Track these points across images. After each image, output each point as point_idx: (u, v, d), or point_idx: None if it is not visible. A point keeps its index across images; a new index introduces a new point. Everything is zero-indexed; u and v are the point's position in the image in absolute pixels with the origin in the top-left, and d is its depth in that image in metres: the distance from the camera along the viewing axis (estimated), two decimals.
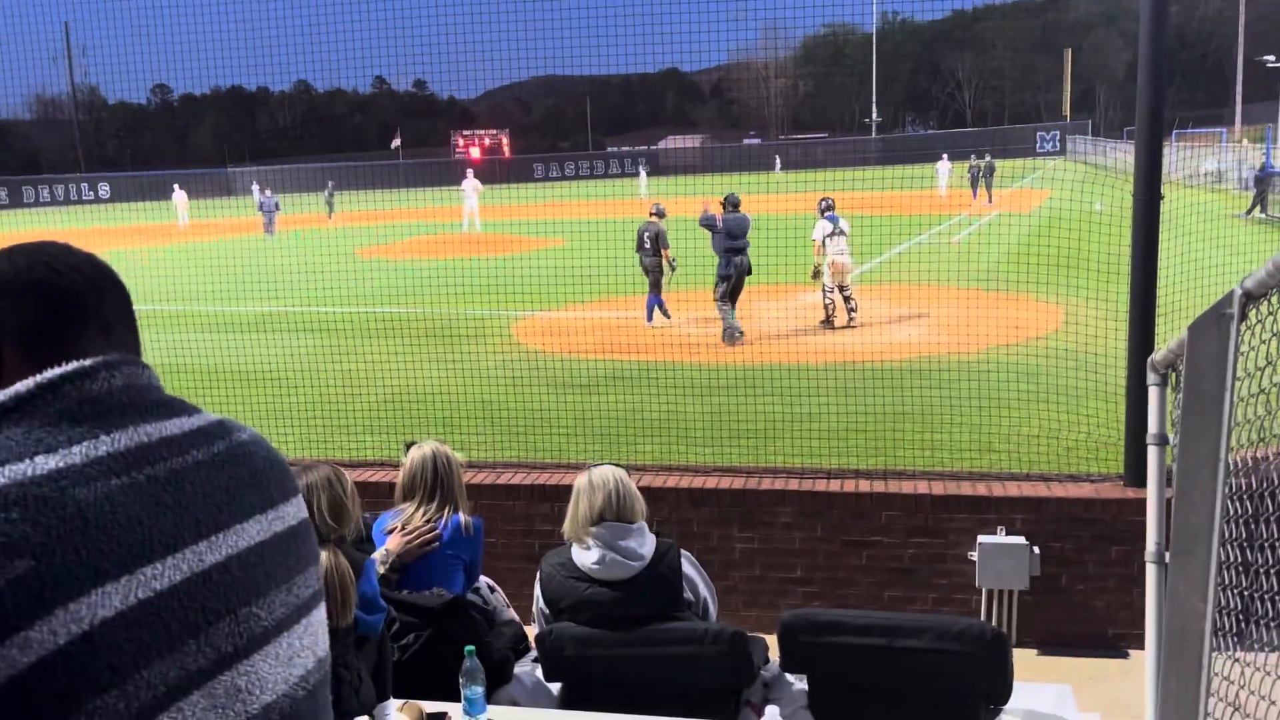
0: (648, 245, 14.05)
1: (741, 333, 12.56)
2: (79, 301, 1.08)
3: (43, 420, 0.97)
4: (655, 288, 14.08)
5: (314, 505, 2.99)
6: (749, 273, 12.80)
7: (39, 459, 0.92)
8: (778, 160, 55.59)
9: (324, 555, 2.86)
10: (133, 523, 0.94)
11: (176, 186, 40.68)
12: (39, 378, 0.99)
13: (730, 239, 12.60)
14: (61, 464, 0.93)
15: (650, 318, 14.03)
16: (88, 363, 1.02)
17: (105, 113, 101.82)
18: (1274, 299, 2.06)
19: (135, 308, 1.22)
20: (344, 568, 2.87)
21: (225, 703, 0.98)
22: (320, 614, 1.15)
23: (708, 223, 12.85)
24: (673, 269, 14.01)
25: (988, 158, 35.40)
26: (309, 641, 1.11)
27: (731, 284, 12.59)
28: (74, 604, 0.88)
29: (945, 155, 39.09)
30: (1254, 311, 2.13)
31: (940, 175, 37.73)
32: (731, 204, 12.84)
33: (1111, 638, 5.39)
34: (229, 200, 45.87)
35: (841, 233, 13.41)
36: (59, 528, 0.89)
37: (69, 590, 0.88)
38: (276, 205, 33.13)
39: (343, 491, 3.07)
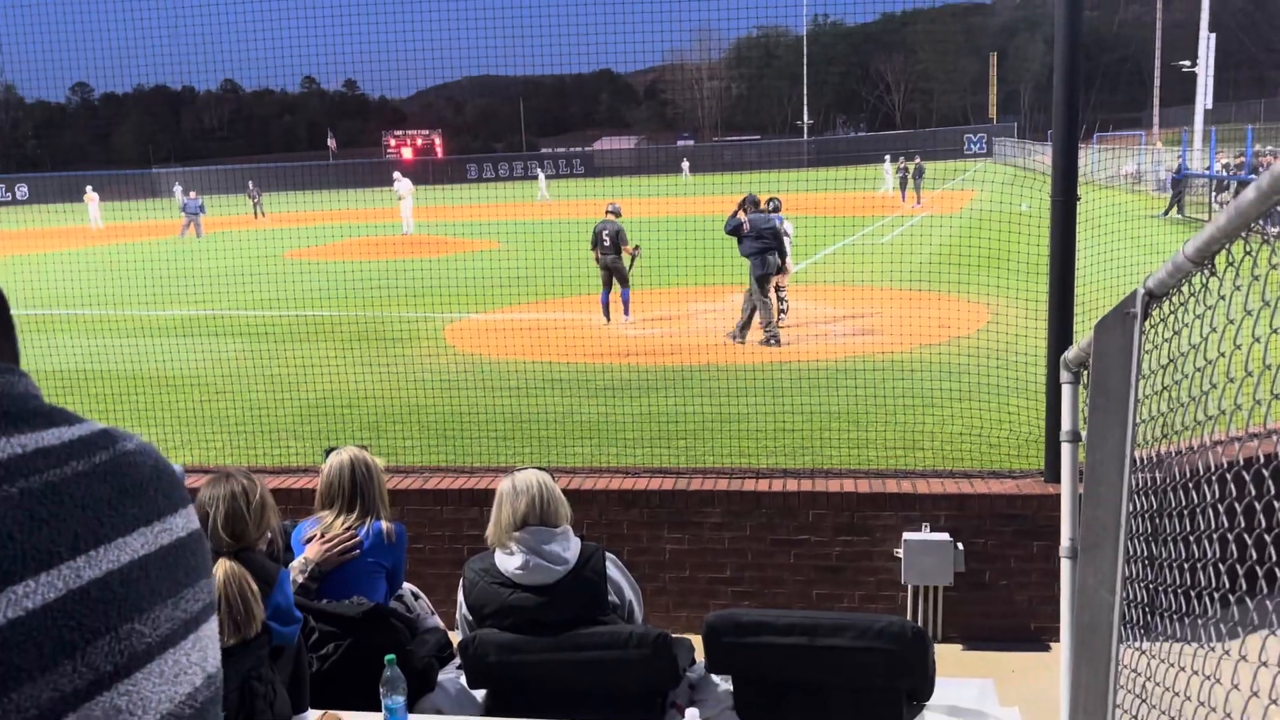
0: (607, 243, 14.10)
1: (778, 339, 12.51)
2: None
3: None
4: (622, 283, 14.17)
5: (211, 518, 2.94)
6: (781, 270, 12.80)
7: None
8: (685, 165, 55.79)
9: (223, 567, 2.81)
10: (3, 539, 0.90)
11: (89, 188, 39.76)
12: None
13: (760, 239, 12.58)
14: None
15: (607, 315, 14.10)
16: None
17: (22, 112, 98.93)
18: (1175, 298, 2.11)
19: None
20: (242, 578, 2.81)
21: None
22: (211, 628, 1.11)
23: (734, 227, 12.77)
24: (634, 257, 14.11)
25: (917, 160, 35.99)
26: (198, 657, 1.07)
27: (762, 281, 12.59)
28: None
29: (888, 156, 39.64)
30: (1157, 310, 2.17)
31: (886, 175, 38.40)
32: (752, 203, 12.82)
33: (1034, 631, 5.50)
34: (152, 202, 44.88)
35: (785, 234, 13.47)
36: None
37: None
38: (201, 207, 32.47)
39: (245, 505, 3.00)
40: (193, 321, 15.38)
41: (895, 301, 12.46)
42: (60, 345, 10.15)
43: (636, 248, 14.14)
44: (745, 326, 12.86)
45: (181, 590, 1.05)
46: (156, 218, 34.93)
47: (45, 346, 10.43)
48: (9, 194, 58.97)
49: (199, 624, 1.07)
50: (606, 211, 14.49)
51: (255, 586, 2.84)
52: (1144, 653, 2.19)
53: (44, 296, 15.45)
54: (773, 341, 12.37)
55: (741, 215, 12.69)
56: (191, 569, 1.08)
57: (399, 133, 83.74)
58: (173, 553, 1.05)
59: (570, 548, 3.38)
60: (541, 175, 51.51)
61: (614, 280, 14.22)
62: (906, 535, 5.42)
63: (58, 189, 46.80)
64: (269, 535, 3.25)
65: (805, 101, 77.34)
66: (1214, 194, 26.83)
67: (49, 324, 12.98)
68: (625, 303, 14.26)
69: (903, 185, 35.16)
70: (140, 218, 34.95)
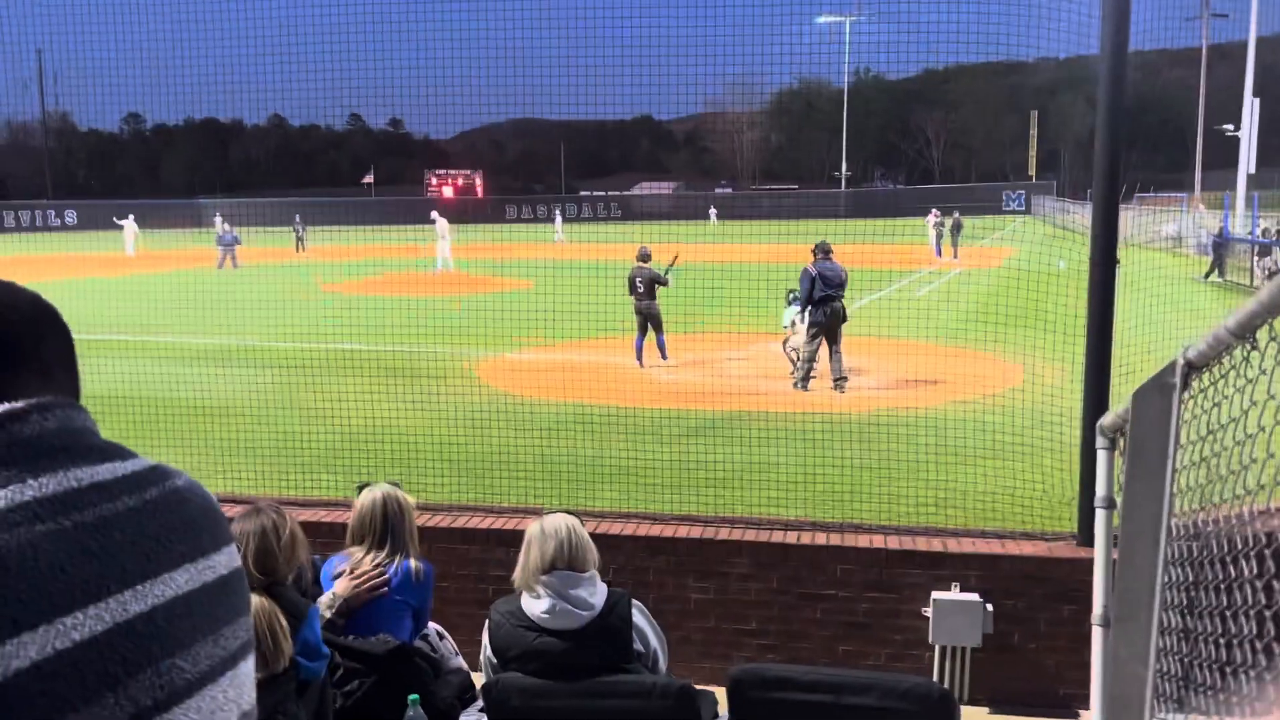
0: (641, 289, 14.27)
1: (805, 384, 12.52)
2: (16, 344, 1.06)
3: None
4: (656, 330, 14.37)
5: (242, 553, 2.97)
6: (845, 319, 12.81)
7: None
8: (713, 212, 55.90)
9: (254, 602, 2.83)
10: (55, 571, 0.92)
11: (130, 216, 40.63)
12: None
13: (826, 287, 12.62)
14: None
15: (640, 360, 14.33)
16: (19, 404, 0.99)
17: (76, 140, 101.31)
18: (1216, 369, 2.10)
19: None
20: (273, 614, 2.84)
21: None
22: (248, 666, 1.13)
23: (806, 293, 12.77)
24: (675, 267, 14.41)
25: (955, 214, 35.82)
26: (234, 694, 1.09)
27: (824, 328, 12.59)
28: None
29: (935, 210, 39.49)
30: (1196, 381, 2.16)
31: (930, 230, 38.25)
32: (823, 251, 12.88)
33: (1062, 697, 5.40)
34: (193, 232, 45.72)
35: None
36: None
37: None
38: (236, 239, 33.10)
39: (275, 541, 3.03)
40: (229, 351, 15.56)
41: (930, 356, 12.42)
42: (98, 369, 10.30)
43: (675, 257, 14.32)
44: (808, 375, 12.85)
45: (221, 628, 1.07)
46: (197, 246, 35.55)
47: (84, 370, 10.60)
48: (59, 219, 60.28)
49: (237, 661, 1.09)
50: (637, 258, 14.65)
51: (285, 622, 2.86)
52: None
53: (84, 320, 15.69)
54: (801, 385, 12.43)
55: (813, 270, 12.70)
56: (232, 607, 1.11)
57: (441, 171, 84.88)
58: (216, 590, 1.08)
59: (597, 593, 3.38)
60: (558, 217, 51.94)
61: (649, 325, 14.33)
62: (935, 594, 5.36)
63: (106, 216, 47.78)
64: (298, 570, 3.28)
65: (844, 153, 77.61)
66: (1256, 259, 26.58)
67: (88, 348, 13.20)
68: (661, 347, 14.37)
69: (937, 240, 34.98)
70: (181, 246, 35.56)
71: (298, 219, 39.37)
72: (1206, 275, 27.53)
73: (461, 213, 57.01)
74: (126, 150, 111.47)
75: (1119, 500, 2.66)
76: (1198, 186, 52.14)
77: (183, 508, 1.09)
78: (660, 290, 14.41)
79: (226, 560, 1.12)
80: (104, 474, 1.03)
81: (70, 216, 60.45)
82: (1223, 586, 1.98)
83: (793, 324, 13.45)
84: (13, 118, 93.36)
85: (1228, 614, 1.94)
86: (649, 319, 14.32)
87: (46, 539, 0.93)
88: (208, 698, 1.04)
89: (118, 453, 1.07)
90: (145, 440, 8.65)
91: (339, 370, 12.26)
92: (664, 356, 14.37)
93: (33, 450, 0.98)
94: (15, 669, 0.87)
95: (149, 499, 1.05)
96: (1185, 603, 2.15)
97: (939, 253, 34.25)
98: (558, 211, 56.18)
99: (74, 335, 1.22)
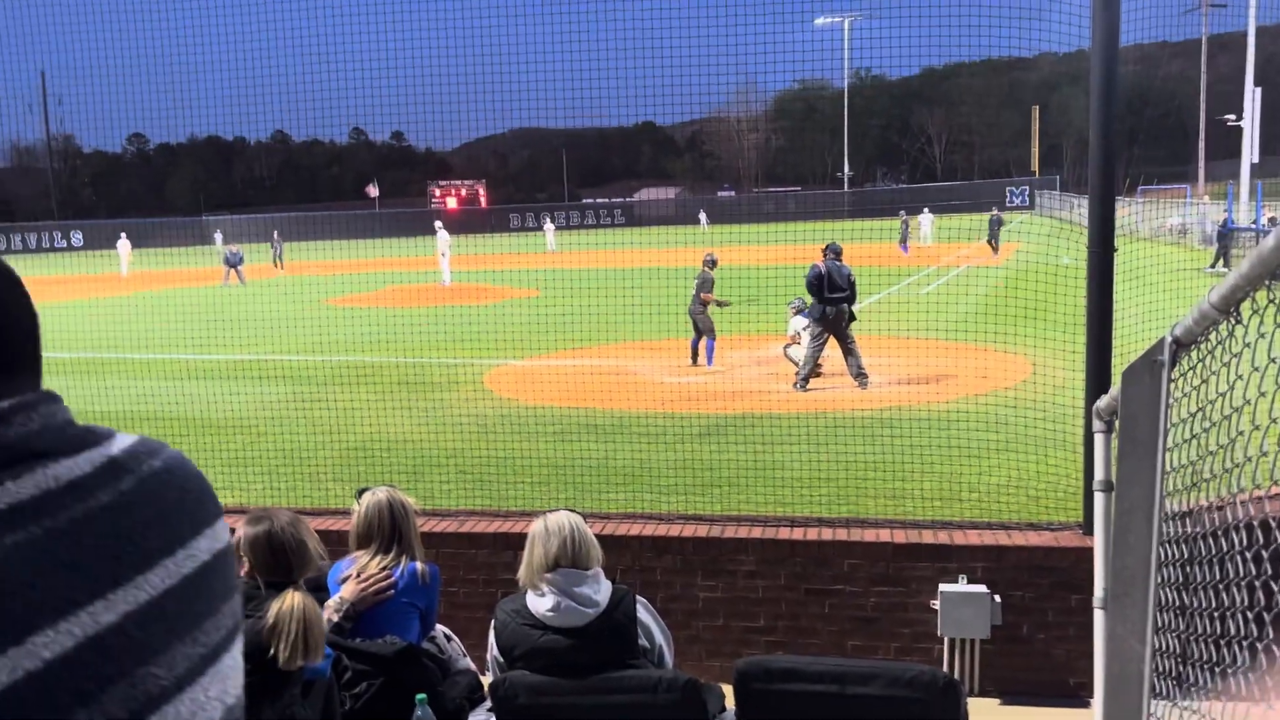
0: (694, 292, 14.61)
1: (805, 385, 12.66)
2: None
3: None
4: (709, 333, 14.61)
5: (255, 558, 3.02)
6: (853, 319, 12.94)
7: None
8: (703, 216, 55.61)
9: (286, 597, 2.89)
10: (24, 587, 0.86)
11: (123, 235, 40.71)
12: None
13: (833, 289, 12.72)
14: None
15: (710, 360, 14.58)
16: (4, 404, 0.93)
17: (80, 161, 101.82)
18: (1203, 345, 2.11)
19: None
20: (310, 608, 2.89)
21: None
22: (233, 657, 1.07)
23: (815, 280, 12.91)
24: (721, 307, 14.65)
25: (995, 210, 35.77)
26: (216, 692, 1.02)
27: (828, 328, 12.75)
28: None
29: (926, 209, 39.65)
30: (1184, 358, 2.18)
31: (923, 227, 38.34)
32: (834, 252, 12.99)
33: (1073, 686, 5.40)
34: (198, 249, 45.85)
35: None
36: None
37: None
38: (241, 258, 33.51)
39: (289, 544, 3.07)
40: (237, 366, 15.63)
41: (936, 352, 12.41)
42: (109, 387, 10.35)
43: (720, 301, 14.54)
44: (809, 377, 12.91)
45: (202, 623, 1.01)
46: (193, 266, 35.67)
47: (95, 389, 10.65)
48: (65, 240, 60.55)
49: (219, 656, 1.03)
50: (704, 262, 14.91)
51: (320, 615, 2.92)
52: (1176, 704, 2.17)
53: (93, 340, 15.81)
54: (800, 386, 12.52)
55: (822, 266, 12.80)
56: (215, 594, 1.04)
57: (444, 182, 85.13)
58: (194, 582, 1.01)
59: (601, 590, 3.40)
60: (550, 226, 52.09)
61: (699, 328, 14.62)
62: (943, 587, 5.37)
63: (112, 236, 47.96)
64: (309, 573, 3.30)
65: (846, 154, 77.56)
66: None
67: (98, 367, 13.26)
68: (693, 349, 14.58)
69: (904, 239, 34.92)
70: (181, 264, 35.65)
71: (275, 235, 39.52)
72: (1212, 266, 27.48)
73: (466, 224, 57.19)
74: (130, 170, 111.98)
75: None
76: (1201, 178, 52.04)
77: (160, 496, 1.00)
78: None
79: (208, 544, 1.04)
80: (82, 466, 0.94)
81: (76, 238, 60.69)
82: (1215, 560, 1.99)
83: (797, 335, 13.53)
84: (17, 140, 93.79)
85: (1220, 587, 1.96)
86: (694, 322, 14.55)
87: (16, 550, 0.86)
88: (187, 700, 0.97)
89: (94, 438, 0.99)
90: None
91: (347, 382, 12.30)
92: (693, 360, 14.54)
93: (14, 455, 0.91)
94: None
95: (124, 491, 0.96)
96: (1181, 579, 2.17)
97: (904, 249, 34.17)
98: (548, 219, 56.27)
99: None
